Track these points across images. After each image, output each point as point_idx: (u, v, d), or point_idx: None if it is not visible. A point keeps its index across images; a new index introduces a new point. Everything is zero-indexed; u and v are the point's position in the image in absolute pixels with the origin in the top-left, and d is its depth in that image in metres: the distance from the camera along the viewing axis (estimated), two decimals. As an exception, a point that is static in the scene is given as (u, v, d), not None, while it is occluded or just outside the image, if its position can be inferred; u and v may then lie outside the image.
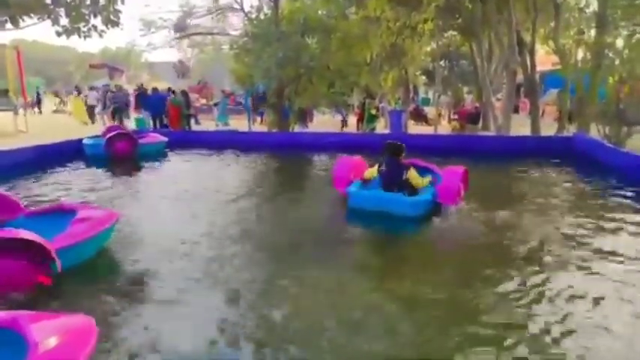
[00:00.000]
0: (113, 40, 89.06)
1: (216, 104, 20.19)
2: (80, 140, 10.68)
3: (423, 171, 6.00)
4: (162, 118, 15.56)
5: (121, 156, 9.90)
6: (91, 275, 3.88)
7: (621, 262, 4.03)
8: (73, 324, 2.43)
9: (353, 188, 5.77)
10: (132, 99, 19.02)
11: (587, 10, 14.11)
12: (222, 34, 18.14)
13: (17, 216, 4.38)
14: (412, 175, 5.56)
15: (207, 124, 18.18)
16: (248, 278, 3.81)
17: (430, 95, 29.18)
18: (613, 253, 4.22)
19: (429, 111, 21.06)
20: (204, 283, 3.71)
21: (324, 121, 17.88)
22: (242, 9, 15.38)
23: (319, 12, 12.85)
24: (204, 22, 19.08)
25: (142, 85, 18.36)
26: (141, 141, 10.53)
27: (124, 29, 18.82)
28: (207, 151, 10.94)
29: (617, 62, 11.76)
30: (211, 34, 18.97)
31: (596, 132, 11.83)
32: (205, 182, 7.74)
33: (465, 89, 24.04)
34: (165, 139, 11.26)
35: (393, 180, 5.59)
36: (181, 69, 29.71)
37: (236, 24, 17.86)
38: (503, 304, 3.32)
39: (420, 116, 21.90)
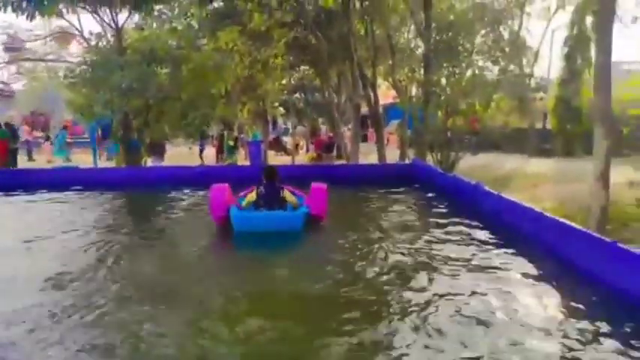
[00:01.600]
0: None
1: (48, 138, 18.06)
2: None
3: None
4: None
5: None
6: None
7: (469, 271, 4.48)
8: None
9: (236, 212, 6.00)
10: None
11: (416, 52, 16.06)
12: (58, 61, 16.43)
13: None
14: (287, 194, 6.25)
15: (42, 159, 16.12)
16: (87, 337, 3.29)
17: (290, 125, 30.22)
18: (454, 263, 4.68)
19: (288, 141, 21.73)
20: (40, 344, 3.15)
21: (179, 153, 17.16)
22: (82, 35, 14.21)
23: (168, 42, 12.44)
24: (37, 46, 17.20)
25: None
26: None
27: None
28: (41, 193, 9.52)
29: (442, 98, 13.55)
30: (45, 60, 17.07)
31: (430, 158, 13.41)
32: (39, 231, 6.49)
33: (320, 120, 25.43)
34: (-16, 180, 9.58)
35: (273, 200, 6.17)
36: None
37: (74, 51, 16.35)
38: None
39: (279, 146, 22.48)
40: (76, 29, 14.52)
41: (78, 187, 9.78)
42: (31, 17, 10.26)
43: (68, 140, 17.04)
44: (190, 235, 6.53)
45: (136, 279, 4.59)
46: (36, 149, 17.90)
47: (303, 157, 19.26)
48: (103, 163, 15.27)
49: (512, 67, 14.43)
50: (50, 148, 17.23)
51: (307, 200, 6.45)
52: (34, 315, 3.66)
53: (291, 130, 26.68)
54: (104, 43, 12.72)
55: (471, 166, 13.83)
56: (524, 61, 17.20)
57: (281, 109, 25.89)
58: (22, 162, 15.14)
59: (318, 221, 6.35)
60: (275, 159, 18.09)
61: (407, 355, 3.08)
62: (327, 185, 6.51)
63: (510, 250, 5.19)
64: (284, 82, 19.88)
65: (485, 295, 3.97)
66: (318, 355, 3.13)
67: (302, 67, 20.88)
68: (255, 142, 17.44)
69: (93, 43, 12.88)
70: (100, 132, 16.92)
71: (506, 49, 13.65)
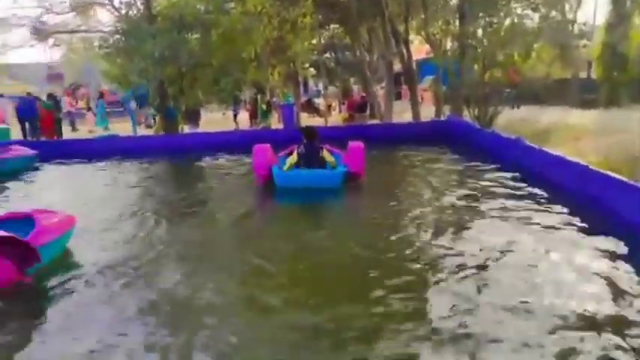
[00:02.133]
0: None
1: (89, 109, 18.62)
2: None
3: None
4: (34, 124, 14.01)
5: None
6: None
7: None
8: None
9: (278, 171, 6.43)
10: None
11: (450, 3, 15.31)
12: (91, 32, 16.68)
13: None
14: (326, 154, 6.48)
15: (84, 129, 16.72)
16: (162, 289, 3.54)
17: (321, 87, 29.79)
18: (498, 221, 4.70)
19: (320, 102, 21.51)
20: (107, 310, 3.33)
21: (213, 119, 17.36)
22: (112, 4, 14.30)
23: (197, 7, 12.36)
24: (70, 18, 17.46)
25: None
26: (1, 156, 9.26)
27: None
28: (87, 162, 9.95)
29: (479, 50, 12.98)
30: (78, 31, 17.34)
31: (467, 114, 13.03)
32: (84, 197, 6.91)
33: (352, 80, 24.95)
34: (34, 151, 10.03)
35: (312, 159, 6.39)
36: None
37: (106, 21, 16.50)
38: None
39: (312, 108, 22.32)
40: (107, -1, 14.63)
41: (119, 155, 10.18)
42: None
43: (107, 110, 17.50)
44: (232, 197, 6.77)
45: (177, 241, 4.78)
46: (78, 120, 18.54)
47: (335, 118, 19.10)
48: (142, 132, 15.68)
49: (553, 13, 13.59)
50: (93, 119, 17.83)
51: (345, 158, 6.67)
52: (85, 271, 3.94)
53: (322, 92, 26.33)
54: (134, 11, 12.77)
55: (510, 120, 13.37)
56: (567, 7, 16.16)
57: (312, 69, 25.52)
58: (67, 132, 15.75)
59: (356, 179, 6.55)
60: (308, 121, 18.00)
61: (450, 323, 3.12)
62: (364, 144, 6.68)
63: (554, 205, 5.10)
64: (314, 42, 19.43)
65: (533, 251, 3.95)
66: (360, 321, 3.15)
67: (331, 26, 20.34)
68: (287, 105, 17.38)
69: (123, 11, 12.95)
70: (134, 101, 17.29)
71: (548, -6, 12.84)
